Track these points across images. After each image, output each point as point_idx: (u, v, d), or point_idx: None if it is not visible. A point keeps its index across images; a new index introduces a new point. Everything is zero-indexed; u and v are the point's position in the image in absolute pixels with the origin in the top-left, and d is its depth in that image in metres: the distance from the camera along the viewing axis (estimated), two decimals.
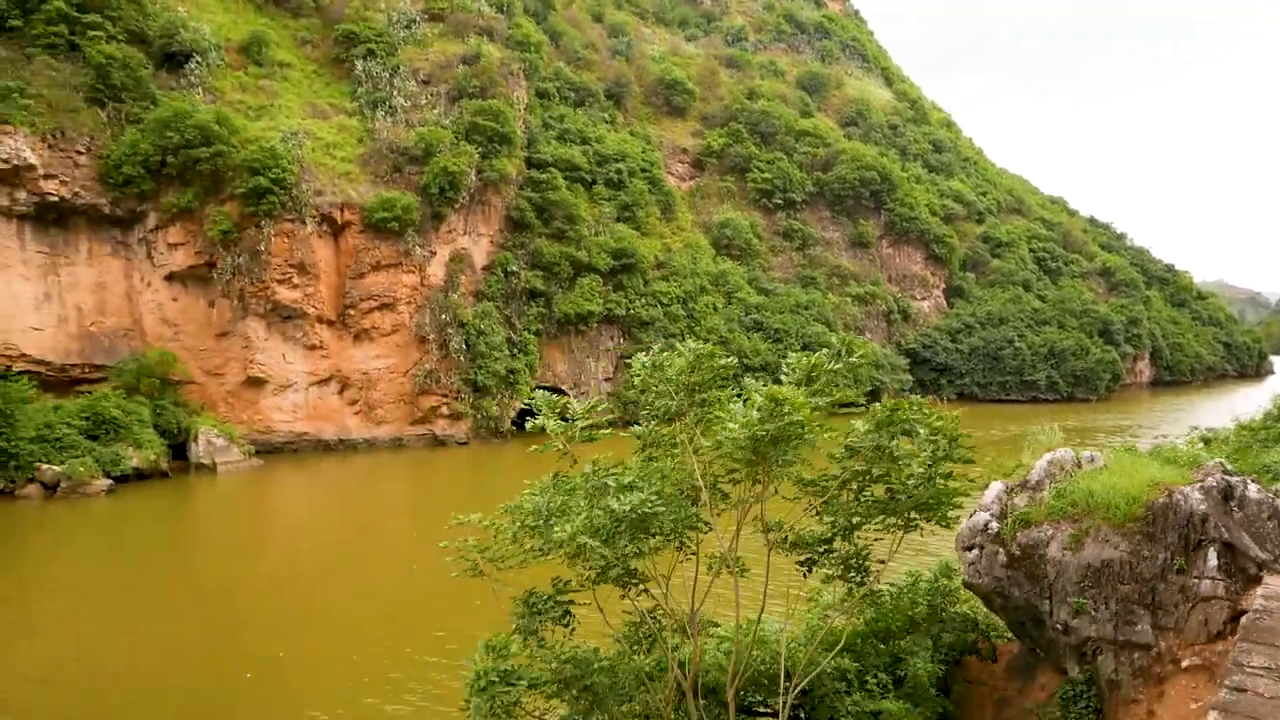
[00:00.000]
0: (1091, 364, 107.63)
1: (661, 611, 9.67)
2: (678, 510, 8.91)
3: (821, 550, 10.06)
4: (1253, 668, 7.37)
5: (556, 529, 8.33)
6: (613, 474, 8.73)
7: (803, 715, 9.71)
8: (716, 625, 10.62)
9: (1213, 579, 8.93)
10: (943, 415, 9.53)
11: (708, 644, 10.53)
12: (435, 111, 72.39)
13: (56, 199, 55.59)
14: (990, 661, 11.53)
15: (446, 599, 27.40)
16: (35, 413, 49.32)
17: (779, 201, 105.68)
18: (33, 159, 53.90)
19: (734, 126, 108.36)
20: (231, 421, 60.25)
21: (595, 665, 8.93)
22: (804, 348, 14.80)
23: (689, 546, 9.50)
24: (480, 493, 50.78)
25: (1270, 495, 9.40)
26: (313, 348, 63.84)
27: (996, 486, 10.95)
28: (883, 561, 10.29)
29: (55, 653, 24.55)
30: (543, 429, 9.38)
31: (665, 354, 9.35)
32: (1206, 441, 18.76)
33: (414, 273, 67.64)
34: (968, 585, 10.85)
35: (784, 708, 9.13)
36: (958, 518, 10.33)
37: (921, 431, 9.19)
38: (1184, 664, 8.79)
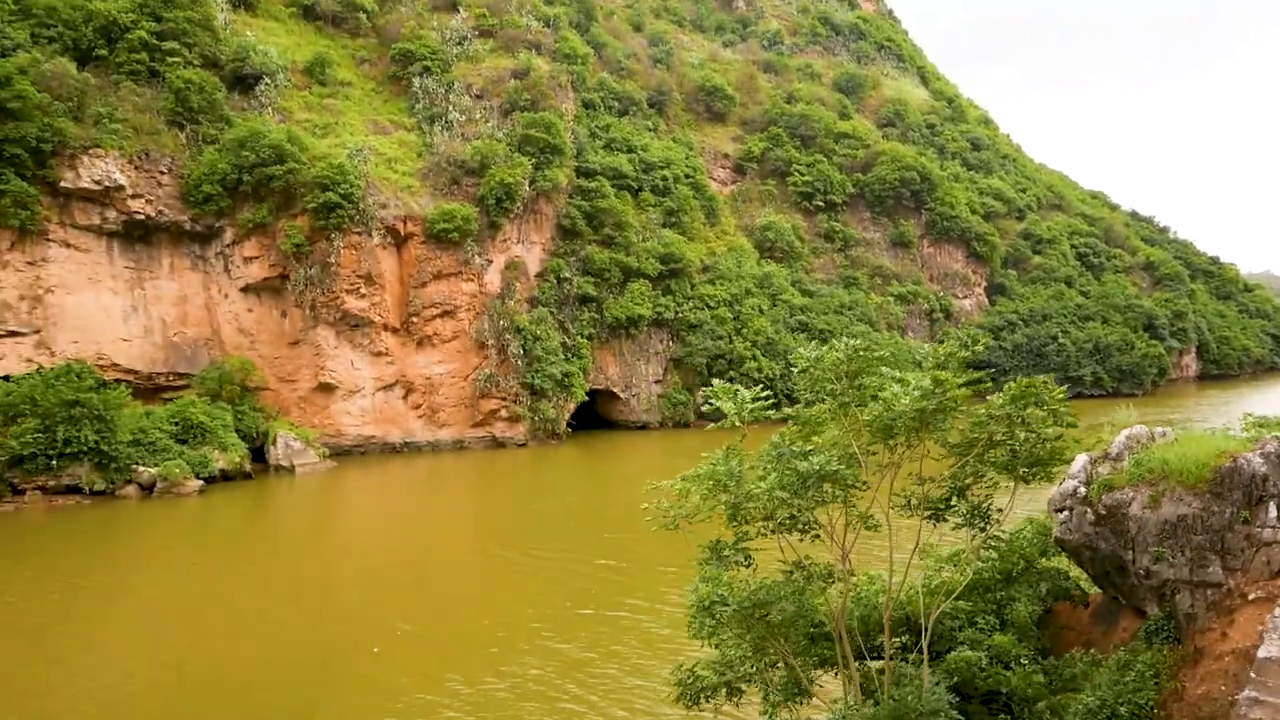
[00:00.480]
0: (1137, 359, 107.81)
1: (811, 561, 11.83)
2: (850, 470, 11.00)
3: (952, 502, 12.13)
4: None
5: (751, 486, 10.51)
6: (793, 447, 10.96)
7: (924, 645, 11.72)
8: (853, 575, 12.68)
9: (1274, 527, 10.77)
10: (1055, 390, 11.59)
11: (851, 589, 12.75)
12: (489, 125, 75.19)
13: (142, 217, 59.13)
14: (1082, 607, 13.42)
15: (539, 578, 29.82)
16: (129, 418, 52.58)
17: (820, 204, 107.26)
18: (122, 180, 57.41)
19: (773, 130, 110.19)
20: (304, 426, 63.29)
21: (782, 593, 11.07)
22: None
23: (851, 502, 11.61)
24: (541, 491, 53.24)
25: None
26: (379, 354, 66.77)
27: (1082, 458, 12.87)
28: (1000, 510, 12.36)
29: (188, 638, 26.99)
30: (718, 412, 11.59)
31: (824, 348, 11.50)
32: (1262, 426, 20.30)
33: (473, 281, 70.39)
34: (1058, 541, 12.81)
35: (925, 633, 11.27)
36: (1061, 476, 12.32)
37: (1047, 402, 11.33)
38: (1250, 597, 10.66)
